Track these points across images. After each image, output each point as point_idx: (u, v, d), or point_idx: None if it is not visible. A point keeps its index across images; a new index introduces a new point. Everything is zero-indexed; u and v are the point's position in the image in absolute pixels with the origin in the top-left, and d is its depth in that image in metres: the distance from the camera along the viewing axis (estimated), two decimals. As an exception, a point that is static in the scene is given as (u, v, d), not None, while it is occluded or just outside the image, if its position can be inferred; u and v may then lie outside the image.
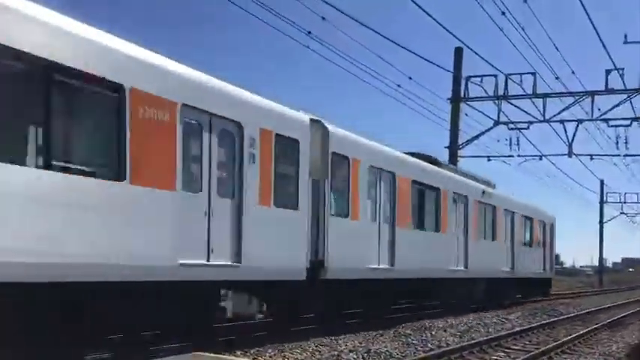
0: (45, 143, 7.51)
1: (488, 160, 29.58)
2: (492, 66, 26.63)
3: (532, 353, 12.80)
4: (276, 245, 11.54)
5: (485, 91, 27.15)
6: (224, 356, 9.76)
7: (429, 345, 13.46)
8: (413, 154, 18.68)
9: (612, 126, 27.00)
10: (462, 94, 27.57)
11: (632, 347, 14.43)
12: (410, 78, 22.45)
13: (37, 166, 7.43)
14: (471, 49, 21.97)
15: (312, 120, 12.93)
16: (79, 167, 7.89)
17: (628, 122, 26.40)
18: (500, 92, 26.92)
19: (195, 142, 10.00)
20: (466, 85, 27.59)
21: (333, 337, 13.09)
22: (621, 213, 60.73)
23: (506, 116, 27.81)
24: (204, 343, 10.89)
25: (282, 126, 11.83)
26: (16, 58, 7.23)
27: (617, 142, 27.40)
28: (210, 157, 10.19)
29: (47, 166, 7.46)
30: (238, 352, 10.74)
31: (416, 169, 17.73)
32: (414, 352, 12.39)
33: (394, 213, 16.00)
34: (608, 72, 25.25)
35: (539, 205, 30.28)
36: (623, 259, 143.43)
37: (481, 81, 27.26)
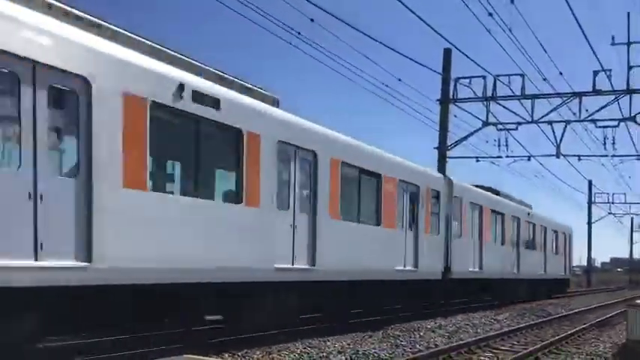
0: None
1: (477, 160, 29.68)
2: (481, 67, 26.80)
3: (520, 353, 12.86)
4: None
5: (474, 92, 27.21)
6: (214, 359, 9.75)
7: (418, 346, 13.50)
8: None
9: (600, 127, 27.10)
10: (451, 95, 27.64)
11: (620, 347, 14.52)
12: (399, 79, 22.56)
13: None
14: (460, 51, 22.04)
15: None
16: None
17: (615, 123, 26.49)
18: (489, 93, 26.99)
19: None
20: (455, 86, 27.67)
21: (321, 339, 13.11)
22: (609, 213, 61.07)
23: (495, 117, 27.91)
24: (194, 345, 10.91)
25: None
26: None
27: (604, 143, 27.53)
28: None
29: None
30: (226, 355, 10.74)
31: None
32: (403, 354, 12.42)
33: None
34: (595, 73, 25.42)
35: (562, 221, 37.30)
36: (611, 259, 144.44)
37: (470, 82, 27.32)
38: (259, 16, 14.50)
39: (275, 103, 12.55)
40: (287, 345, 12.12)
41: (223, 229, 10.61)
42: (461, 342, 14.09)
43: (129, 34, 9.60)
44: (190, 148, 10.24)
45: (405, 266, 17.30)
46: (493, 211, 24.59)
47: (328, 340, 13.04)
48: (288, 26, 15.14)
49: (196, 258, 9.96)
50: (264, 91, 12.40)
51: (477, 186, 24.42)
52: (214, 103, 10.31)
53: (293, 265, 12.50)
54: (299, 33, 15.45)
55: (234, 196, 11.09)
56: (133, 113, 8.82)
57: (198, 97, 10.01)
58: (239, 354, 10.98)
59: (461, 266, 21.03)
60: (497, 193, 26.42)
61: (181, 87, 9.64)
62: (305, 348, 12.04)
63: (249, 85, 12.02)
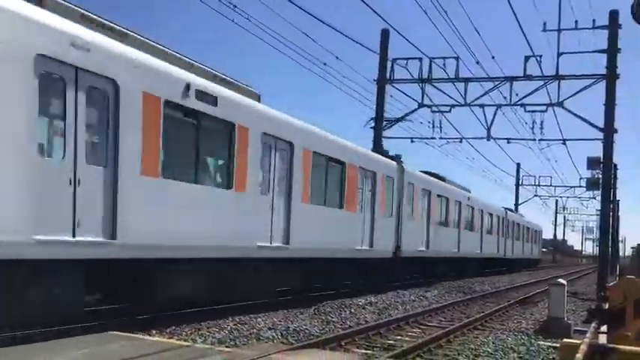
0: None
1: (412, 141, 30.06)
2: (417, 49, 27.04)
3: (447, 329, 13.18)
4: None
5: (410, 73, 27.51)
6: (139, 336, 9.55)
7: (348, 322, 13.64)
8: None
9: (529, 111, 27.82)
10: (388, 76, 27.85)
11: (541, 324, 15.08)
12: (337, 57, 22.43)
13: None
14: (398, 32, 22.21)
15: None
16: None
17: (544, 108, 27.29)
18: (425, 75, 27.35)
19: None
20: (392, 67, 27.88)
21: (252, 315, 13.06)
22: (535, 195, 63.24)
23: (430, 99, 28.33)
24: (123, 322, 10.66)
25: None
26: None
27: (532, 127, 28.34)
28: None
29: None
30: (154, 332, 10.54)
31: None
32: (333, 330, 12.53)
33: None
34: (526, 58, 26.07)
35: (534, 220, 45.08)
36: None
37: (406, 64, 27.58)
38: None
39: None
40: (217, 322, 12.01)
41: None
42: (390, 318, 14.33)
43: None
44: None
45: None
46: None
47: (259, 317, 13.00)
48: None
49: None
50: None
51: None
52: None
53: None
54: (235, 6, 15.13)
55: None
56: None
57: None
58: (167, 331, 10.81)
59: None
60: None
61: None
62: (235, 325, 11.96)
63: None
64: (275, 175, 14.09)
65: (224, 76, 12.86)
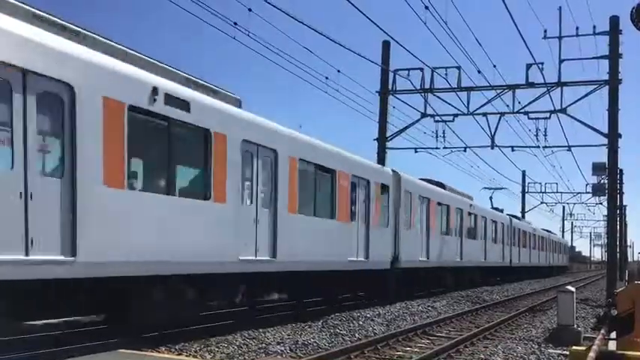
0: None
1: (416, 151, 30.06)
2: (419, 59, 27.16)
3: (455, 339, 13.14)
4: None
5: (412, 84, 27.60)
6: (148, 353, 9.57)
7: (357, 335, 13.62)
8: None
9: (532, 119, 27.87)
10: (390, 87, 27.95)
11: (551, 332, 15.02)
12: (338, 71, 22.49)
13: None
14: (398, 43, 22.15)
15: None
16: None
17: (547, 115, 27.32)
18: (427, 85, 27.43)
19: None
20: (394, 78, 27.98)
21: (261, 330, 13.06)
22: (542, 202, 63.08)
23: (433, 109, 28.38)
24: (131, 339, 10.68)
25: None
26: None
27: (536, 134, 28.34)
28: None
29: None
30: (163, 349, 10.56)
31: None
32: (342, 342, 12.51)
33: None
34: (528, 66, 26.14)
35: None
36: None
37: (408, 74, 27.67)
38: (196, 6, 14.18)
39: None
40: (225, 337, 12.01)
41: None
42: (399, 330, 14.29)
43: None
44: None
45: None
46: (439, 203, 25.67)
47: (267, 331, 13.00)
48: (224, 16, 14.89)
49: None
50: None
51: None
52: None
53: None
54: (235, 23, 15.22)
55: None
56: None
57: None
58: (176, 347, 10.83)
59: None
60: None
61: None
62: (244, 340, 11.97)
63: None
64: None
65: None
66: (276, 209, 13.73)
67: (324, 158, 16.01)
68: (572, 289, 15.05)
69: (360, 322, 15.45)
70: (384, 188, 20.02)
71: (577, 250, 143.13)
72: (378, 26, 17.53)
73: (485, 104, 27.58)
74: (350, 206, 17.39)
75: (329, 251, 16.24)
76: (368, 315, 16.79)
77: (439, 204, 25.81)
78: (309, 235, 15.09)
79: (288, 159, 14.14)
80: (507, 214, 41.96)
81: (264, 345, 11.56)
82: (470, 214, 30.81)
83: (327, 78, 20.91)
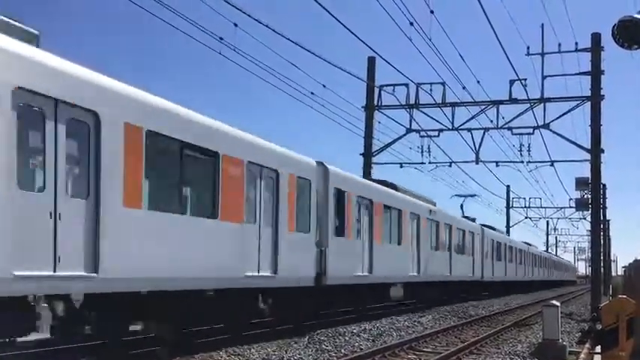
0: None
1: (401, 166, 30.20)
2: (404, 75, 27.31)
3: (442, 354, 13.13)
4: None
5: (398, 99, 27.82)
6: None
7: (343, 350, 13.57)
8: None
9: (516, 134, 28.15)
10: (376, 103, 28.12)
11: (536, 346, 15.05)
12: (324, 86, 22.56)
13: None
14: (384, 59, 22.39)
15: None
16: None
17: (530, 130, 27.61)
18: (412, 101, 27.64)
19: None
20: (379, 93, 28.17)
21: (246, 346, 12.95)
22: (526, 217, 63.48)
23: (418, 124, 28.59)
24: (116, 355, 10.55)
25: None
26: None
27: (520, 150, 28.58)
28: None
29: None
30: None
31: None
32: (328, 358, 12.46)
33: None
34: (511, 82, 26.44)
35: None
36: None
37: (393, 90, 27.90)
38: (182, 21, 14.20)
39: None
40: (210, 354, 11.91)
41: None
42: (385, 345, 14.26)
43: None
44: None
45: (259, 271, 13.66)
46: (387, 206, 21.21)
47: (252, 348, 12.90)
48: (209, 31, 14.89)
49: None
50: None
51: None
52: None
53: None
54: (221, 38, 15.25)
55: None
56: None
57: None
58: (160, 364, 10.71)
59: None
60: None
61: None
62: (229, 356, 11.88)
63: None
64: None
65: None
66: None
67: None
68: (557, 303, 15.11)
69: (346, 338, 15.39)
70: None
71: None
72: (363, 42, 17.68)
73: (469, 119, 27.86)
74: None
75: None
76: (354, 330, 16.73)
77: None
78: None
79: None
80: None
81: (249, 361, 11.46)
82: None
83: (312, 93, 20.97)
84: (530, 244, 57.72)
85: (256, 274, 13.51)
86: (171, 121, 11.02)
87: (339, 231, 17.57)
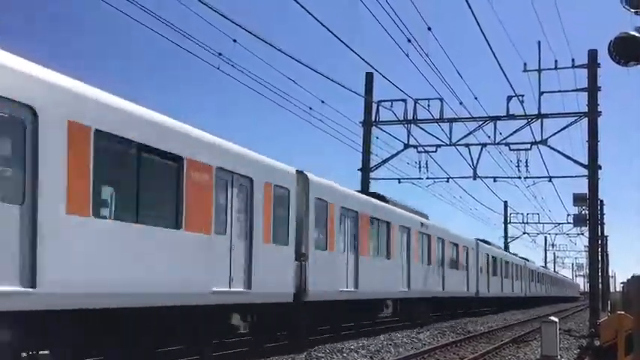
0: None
1: (399, 182, 30.22)
2: (402, 91, 27.38)
3: (440, 371, 13.05)
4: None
5: (395, 115, 27.89)
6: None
7: (341, 367, 13.48)
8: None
9: (514, 150, 28.20)
10: (374, 118, 28.19)
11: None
12: (322, 102, 22.61)
13: None
14: (382, 75, 22.41)
15: None
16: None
17: (528, 146, 27.66)
18: (410, 116, 27.72)
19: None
20: (377, 109, 28.25)
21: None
22: (524, 233, 63.40)
23: (416, 140, 28.64)
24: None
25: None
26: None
27: (518, 166, 28.62)
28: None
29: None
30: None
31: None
32: (325, 375, 12.36)
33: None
34: (509, 98, 26.55)
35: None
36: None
37: (391, 105, 27.97)
38: (180, 36, 14.25)
39: None
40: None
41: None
42: (383, 362, 14.18)
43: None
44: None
45: (230, 286, 12.70)
46: (374, 219, 20.43)
47: (250, 364, 12.81)
48: (208, 47, 14.94)
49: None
50: None
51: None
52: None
53: None
54: (220, 54, 15.30)
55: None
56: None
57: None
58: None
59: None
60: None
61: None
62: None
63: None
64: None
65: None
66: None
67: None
68: (556, 319, 15.07)
69: (344, 355, 15.30)
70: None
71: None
72: (361, 58, 17.77)
73: (467, 135, 27.91)
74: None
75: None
76: (352, 347, 16.65)
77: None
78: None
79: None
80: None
81: (246, 378, 11.38)
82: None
83: (310, 108, 21.02)
84: (527, 260, 57.52)
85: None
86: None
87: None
